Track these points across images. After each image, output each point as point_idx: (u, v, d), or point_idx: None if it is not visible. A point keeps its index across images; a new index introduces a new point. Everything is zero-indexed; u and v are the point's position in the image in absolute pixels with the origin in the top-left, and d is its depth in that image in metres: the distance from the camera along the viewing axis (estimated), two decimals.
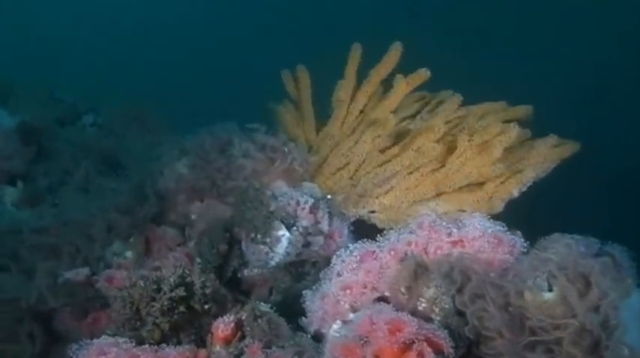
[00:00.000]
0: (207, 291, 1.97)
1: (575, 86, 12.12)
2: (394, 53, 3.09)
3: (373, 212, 3.07)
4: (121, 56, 16.22)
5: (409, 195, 3.05)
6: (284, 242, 2.60)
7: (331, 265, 2.26)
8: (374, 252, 2.19)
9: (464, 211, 2.97)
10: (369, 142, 3.07)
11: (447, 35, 13.44)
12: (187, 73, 15.05)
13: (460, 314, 1.85)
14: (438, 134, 2.89)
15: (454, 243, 2.10)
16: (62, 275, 2.36)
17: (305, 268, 2.64)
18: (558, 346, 1.70)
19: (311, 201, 2.66)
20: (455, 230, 2.15)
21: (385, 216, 3.06)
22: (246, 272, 2.68)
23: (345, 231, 2.83)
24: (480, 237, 2.07)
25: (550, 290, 1.73)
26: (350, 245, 2.42)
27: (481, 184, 3.00)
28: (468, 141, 2.89)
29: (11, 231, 2.75)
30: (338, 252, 2.29)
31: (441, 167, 2.98)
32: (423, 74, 3.06)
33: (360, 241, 2.45)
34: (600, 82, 12.70)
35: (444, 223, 2.21)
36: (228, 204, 2.77)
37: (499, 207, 2.98)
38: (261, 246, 2.59)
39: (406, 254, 2.13)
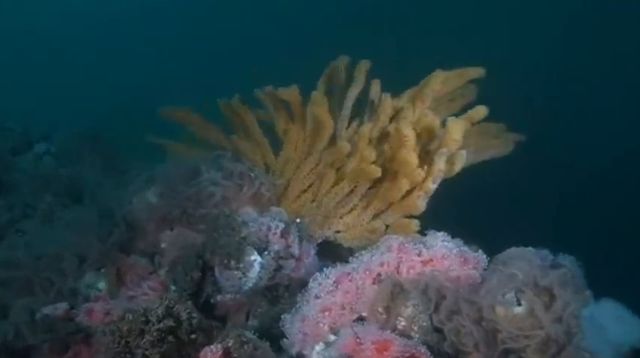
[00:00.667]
0: (194, 321, 2.03)
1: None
2: (290, 92, 3.24)
3: (338, 232, 3.18)
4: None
5: (368, 211, 3.17)
6: (256, 267, 2.66)
7: (308, 288, 2.35)
8: (349, 273, 2.28)
9: (409, 218, 3.05)
10: (328, 164, 3.18)
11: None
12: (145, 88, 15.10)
13: (437, 330, 1.98)
14: (371, 158, 2.96)
15: (424, 263, 2.23)
16: (40, 310, 2.36)
17: (279, 291, 2.71)
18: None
19: (282, 225, 2.74)
20: (424, 250, 2.28)
21: (350, 235, 3.17)
22: (219, 297, 2.73)
23: (312, 252, 2.92)
24: (448, 256, 2.21)
25: (519, 304, 1.88)
26: (321, 267, 2.52)
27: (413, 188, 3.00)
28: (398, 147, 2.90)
29: None
30: (314, 275, 2.38)
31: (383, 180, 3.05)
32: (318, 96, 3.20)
33: (330, 262, 2.56)
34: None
35: (412, 244, 2.34)
36: (199, 231, 2.82)
37: (422, 206, 2.98)
38: (235, 272, 2.64)
39: (380, 274, 2.25)
